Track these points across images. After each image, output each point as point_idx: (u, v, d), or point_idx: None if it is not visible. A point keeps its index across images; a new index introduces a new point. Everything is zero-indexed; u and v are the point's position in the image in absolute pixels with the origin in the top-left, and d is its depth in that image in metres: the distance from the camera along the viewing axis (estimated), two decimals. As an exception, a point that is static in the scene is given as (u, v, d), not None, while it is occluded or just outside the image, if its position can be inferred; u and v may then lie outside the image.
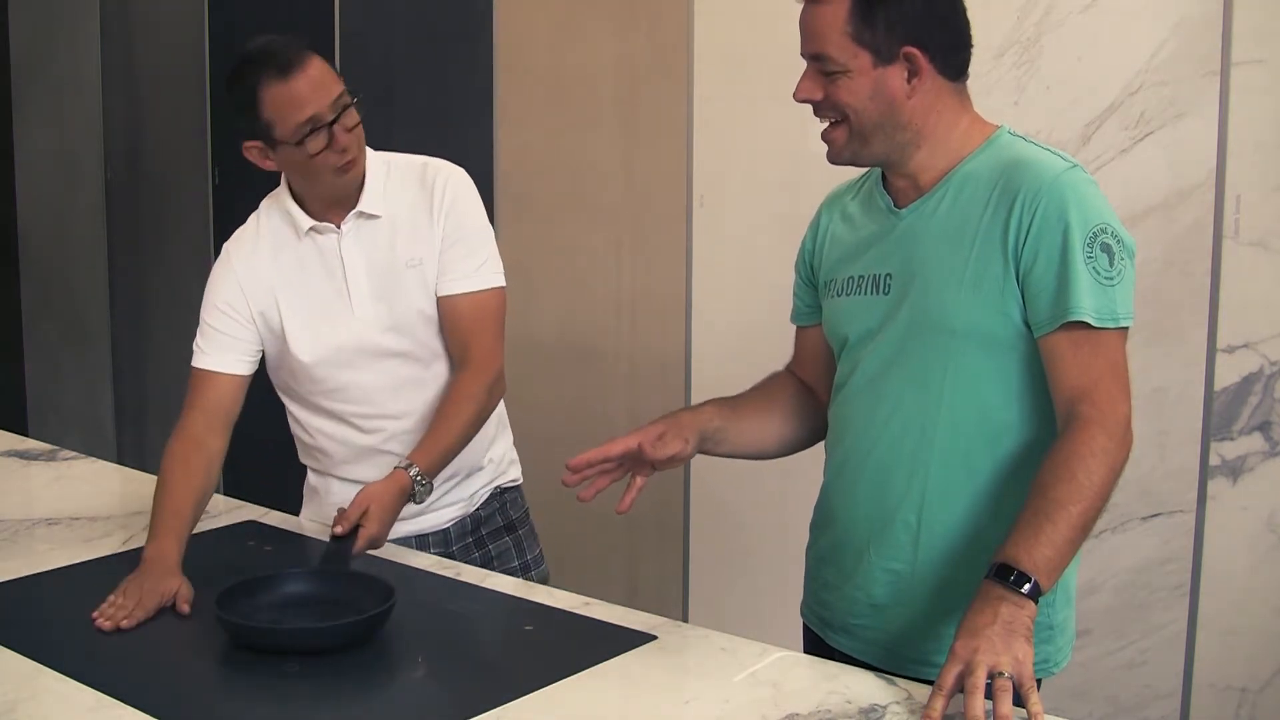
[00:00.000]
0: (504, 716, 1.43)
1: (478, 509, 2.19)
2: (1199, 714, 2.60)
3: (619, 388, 3.38)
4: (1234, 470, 2.53)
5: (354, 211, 2.02)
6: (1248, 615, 2.55)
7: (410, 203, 2.05)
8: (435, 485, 1.97)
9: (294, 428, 2.18)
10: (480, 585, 1.88)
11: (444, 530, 2.16)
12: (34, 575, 1.90)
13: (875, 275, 1.66)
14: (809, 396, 1.84)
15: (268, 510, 2.22)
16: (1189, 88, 2.50)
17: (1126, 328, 1.52)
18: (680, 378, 3.24)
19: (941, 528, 1.60)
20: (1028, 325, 1.54)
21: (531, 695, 1.47)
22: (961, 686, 1.33)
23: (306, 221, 2.03)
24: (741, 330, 3.10)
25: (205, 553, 1.92)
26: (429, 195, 2.05)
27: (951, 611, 1.54)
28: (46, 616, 1.76)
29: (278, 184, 2.10)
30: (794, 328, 1.88)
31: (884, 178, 1.71)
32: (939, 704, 1.33)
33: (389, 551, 1.98)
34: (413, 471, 1.90)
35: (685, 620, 1.91)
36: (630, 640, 1.63)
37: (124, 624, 1.66)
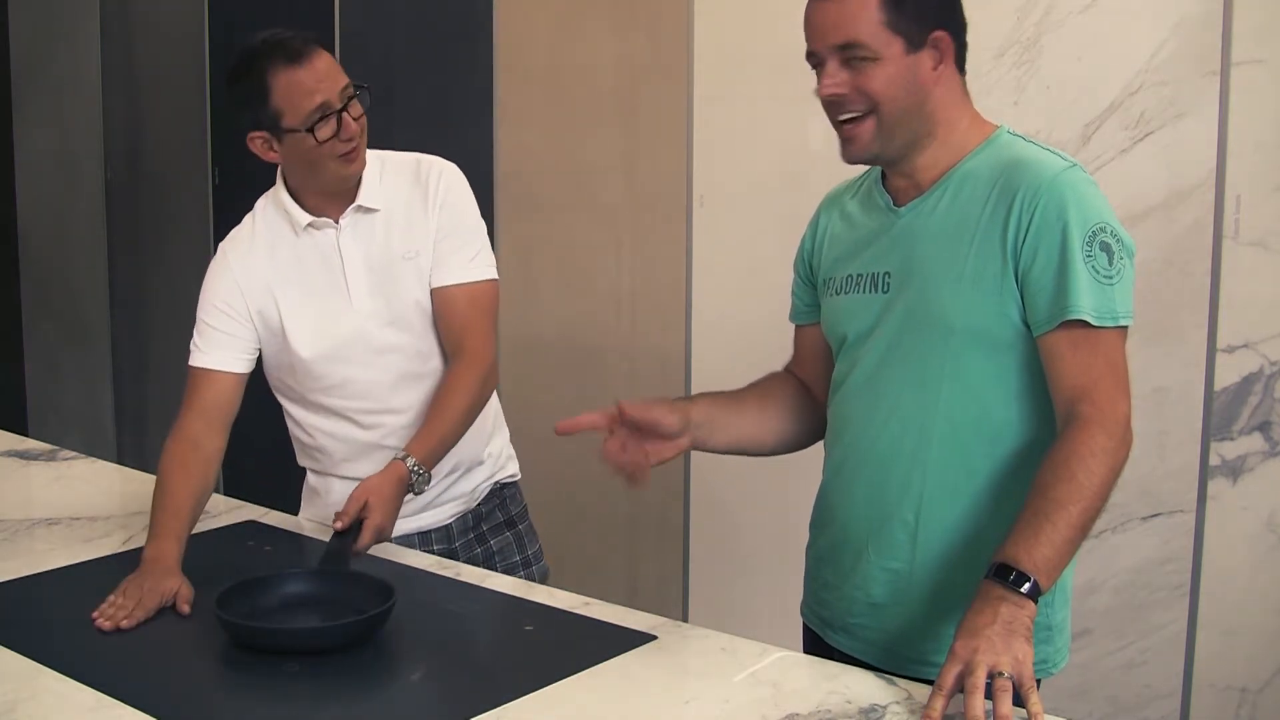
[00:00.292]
0: (504, 716, 1.43)
1: (478, 504, 2.20)
2: (1199, 714, 2.60)
3: (619, 387, 3.38)
4: (1234, 470, 2.53)
5: (353, 206, 2.03)
6: (1248, 615, 2.55)
7: (405, 197, 2.07)
8: (436, 481, 1.97)
9: (292, 428, 2.19)
10: (480, 585, 1.88)
11: (446, 526, 2.17)
12: (34, 575, 1.90)
13: (874, 274, 1.66)
14: (806, 395, 1.84)
15: (268, 510, 2.22)
16: (1189, 88, 2.50)
17: (1126, 327, 1.52)
18: (680, 377, 3.24)
19: (940, 527, 1.60)
20: (1027, 324, 1.54)
21: (531, 695, 1.47)
22: (961, 686, 1.33)
23: (304, 217, 2.04)
24: (741, 329, 3.10)
25: (205, 553, 1.92)
26: (424, 189, 2.07)
27: (950, 611, 1.54)
28: (46, 616, 1.76)
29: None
30: (793, 327, 1.88)
31: (883, 177, 1.71)
32: (939, 704, 1.33)
33: (389, 551, 1.98)
34: (409, 462, 1.91)
35: (685, 620, 1.91)
36: (630, 640, 1.63)
37: (124, 624, 1.66)
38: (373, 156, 2.05)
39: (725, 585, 3.25)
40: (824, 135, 2.94)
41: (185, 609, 1.72)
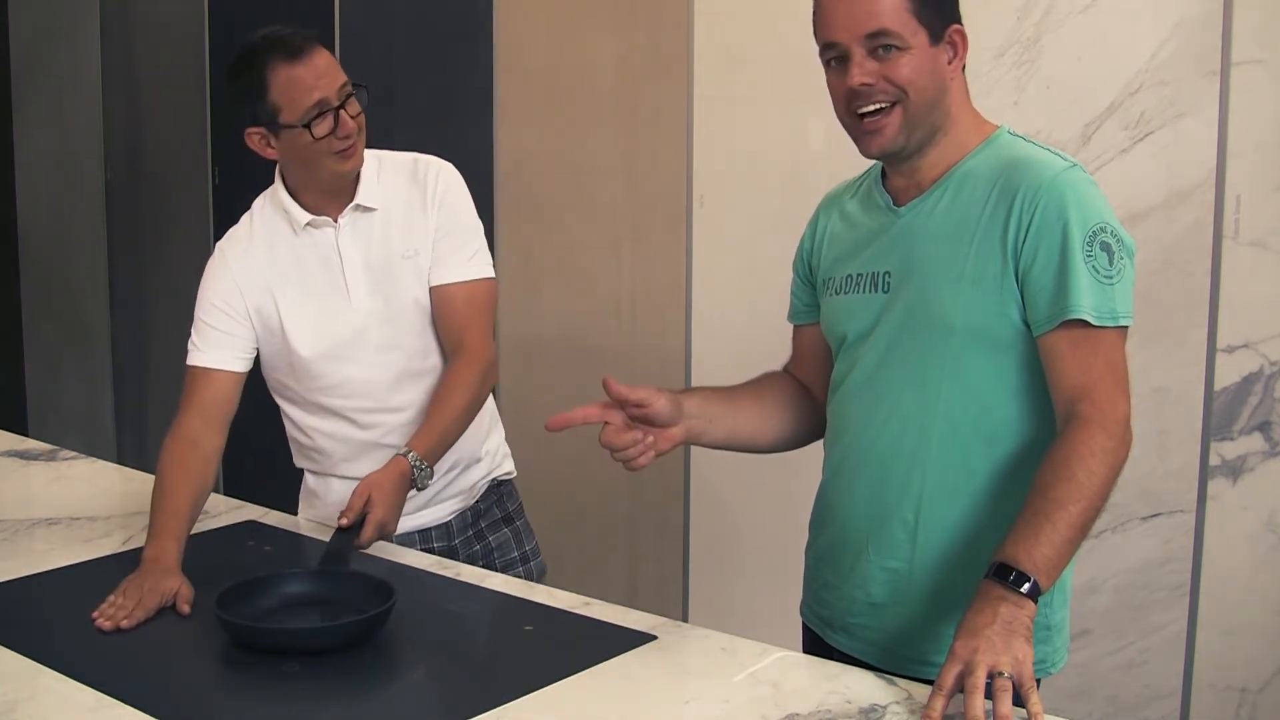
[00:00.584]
0: (504, 716, 1.43)
1: (477, 501, 2.21)
2: (1199, 714, 2.60)
3: (619, 387, 3.37)
4: (1234, 470, 2.54)
5: (351, 205, 2.04)
6: (1248, 615, 2.55)
7: (404, 196, 2.07)
8: (436, 478, 1.98)
9: (290, 429, 2.19)
10: (480, 585, 1.88)
11: (445, 524, 2.18)
12: (34, 575, 1.90)
13: (874, 273, 1.66)
14: (804, 394, 1.84)
15: (268, 510, 2.23)
16: (1189, 88, 2.50)
17: (1126, 327, 1.52)
18: (680, 377, 3.24)
19: (940, 526, 1.60)
20: (1026, 324, 1.54)
21: (531, 695, 1.47)
22: (961, 686, 1.33)
23: (304, 216, 2.04)
24: (741, 330, 3.10)
25: (205, 553, 1.92)
26: (422, 188, 2.07)
27: (950, 611, 1.54)
28: (46, 616, 1.76)
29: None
30: (792, 327, 1.88)
31: (883, 176, 1.71)
32: (939, 704, 1.33)
33: (389, 551, 1.98)
34: (411, 457, 1.91)
35: (685, 620, 1.91)
36: (630, 640, 1.63)
37: (124, 624, 1.66)
38: (370, 156, 2.06)
39: (725, 585, 3.25)
40: (824, 135, 2.96)
41: (185, 609, 1.72)
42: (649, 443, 1.62)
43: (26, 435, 3.01)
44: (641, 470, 1.64)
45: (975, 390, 1.58)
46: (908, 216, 1.64)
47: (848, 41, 1.57)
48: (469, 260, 2.08)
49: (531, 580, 2.21)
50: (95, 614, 1.69)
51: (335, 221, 2.05)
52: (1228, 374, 2.52)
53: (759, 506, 3.09)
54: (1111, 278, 1.50)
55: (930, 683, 1.37)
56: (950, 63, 1.59)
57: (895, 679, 1.50)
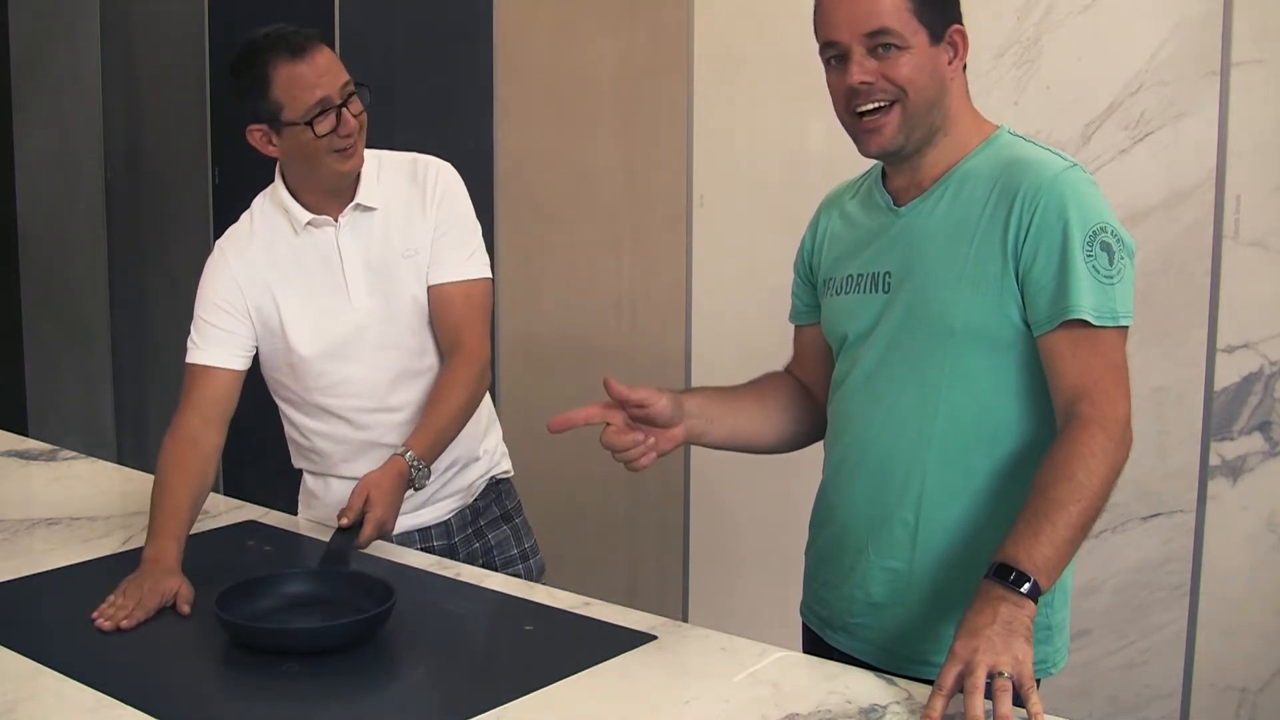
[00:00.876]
0: (504, 716, 1.43)
1: (475, 499, 2.22)
2: (1199, 714, 2.60)
3: (619, 387, 3.37)
4: (1234, 470, 2.53)
5: (352, 204, 2.04)
6: (1248, 615, 2.55)
7: (403, 195, 2.08)
8: (434, 476, 1.98)
9: (289, 430, 2.19)
10: (479, 585, 1.88)
11: (445, 522, 2.18)
12: (34, 575, 1.90)
13: (874, 273, 1.66)
14: (805, 394, 1.84)
15: (268, 510, 2.23)
16: (1189, 88, 2.50)
17: (1126, 327, 1.52)
18: (680, 377, 3.24)
19: (940, 526, 1.60)
20: (1027, 324, 1.54)
21: (531, 695, 1.47)
22: (961, 686, 1.33)
23: (304, 215, 2.04)
24: (741, 330, 3.10)
25: (205, 553, 1.92)
26: (421, 188, 2.08)
27: (950, 611, 1.54)
28: (46, 616, 1.76)
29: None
30: (793, 327, 1.88)
31: (883, 176, 1.71)
32: (939, 704, 1.33)
33: (388, 551, 1.98)
34: (409, 456, 1.92)
35: (685, 620, 1.91)
36: (630, 640, 1.63)
37: (124, 624, 1.66)
38: (370, 155, 2.06)
39: (725, 585, 3.25)
40: (824, 135, 2.96)
41: (185, 609, 1.72)
42: (650, 443, 1.62)
43: (26, 435, 3.01)
44: (642, 470, 1.64)
45: (975, 390, 1.58)
46: (908, 217, 1.64)
47: (848, 40, 1.57)
48: (467, 260, 2.09)
49: (532, 578, 2.21)
50: (95, 614, 1.69)
51: (336, 221, 2.05)
52: (1228, 374, 2.52)
53: (759, 506, 3.09)
54: (1112, 278, 1.50)
55: (930, 683, 1.37)
56: (950, 63, 1.60)
57: (895, 679, 1.50)
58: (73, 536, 2.09)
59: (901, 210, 1.65)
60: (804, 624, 1.82)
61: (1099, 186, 1.56)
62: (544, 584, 2.14)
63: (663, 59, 3.22)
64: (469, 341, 2.05)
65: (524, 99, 3.53)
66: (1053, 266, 1.50)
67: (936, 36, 1.57)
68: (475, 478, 2.21)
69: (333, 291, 2.06)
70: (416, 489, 1.95)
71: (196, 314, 2.07)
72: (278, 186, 2.08)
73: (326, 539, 1.88)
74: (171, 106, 4.79)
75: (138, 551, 1.85)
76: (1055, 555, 1.41)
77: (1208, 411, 2.54)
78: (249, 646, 1.60)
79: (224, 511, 2.22)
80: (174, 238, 4.84)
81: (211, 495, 2.06)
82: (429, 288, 2.07)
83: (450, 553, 2.14)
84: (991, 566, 1.41)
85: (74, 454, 2.66)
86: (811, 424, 1.83)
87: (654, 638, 1.63)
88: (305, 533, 2.13)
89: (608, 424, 1.61)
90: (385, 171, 2.09)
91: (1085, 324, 1.49)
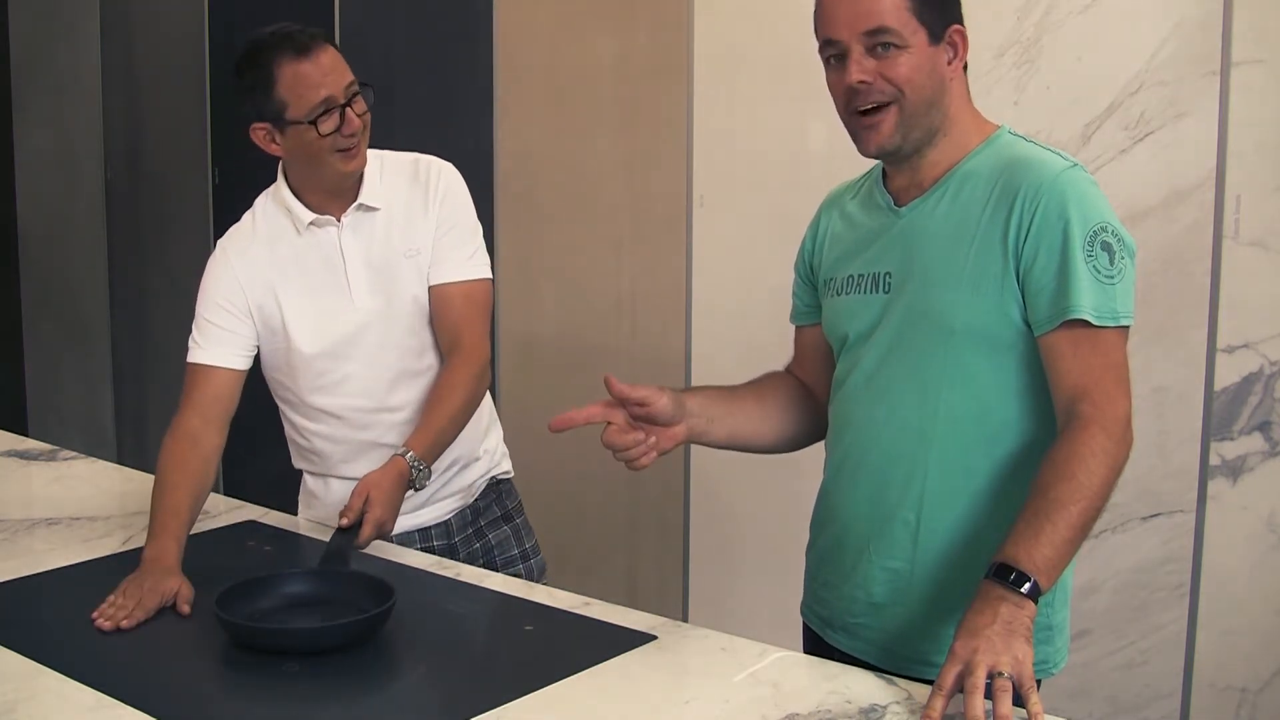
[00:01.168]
0: (504, 716, 1.43)
1: (476, 500, 2.22)
2: (1199, 714, 2.60)
3: (619, 387, 3.37)
4: (1234, 470, 2.53)
5: (355, 204, 2.05)
6: (1248, 615, 2.55)
7: (405, 196, 2.08)
8: (435, 476, 1.98)
9: (289, 431, 2.19)
10: (479, 585, 1.88)
11: (445, 522, 2.18)
12: (34, 575, 1.90)
13: (875, 274, 1.66)
14: (806, 395, 1.84)
15: (268, 510, 2.23)
16: (1189, 88, 2.50)
17: (1127, 326, 1.52)
18: (680, 377, 3.24)
19: (941, 526, 1.60)
20: (1027, 324, 1.54)
21: (531, 695, 1.47)
22: (961, 686, 1.33)
23: (307, 215, 2.05)
24: (741, 330, 3.10)
25: (205, 553, 1.92)
26: (423, 188, 2.08)
27: (951, 611, 1.54)
28: (46, 616, 1.76)
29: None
30: (794, 327, 1.88)
31: (883, 177, 1.71)
32: (939, 704, 1.33)
33: (388, 551, 1.98)
34: (409, 457, 1.92)
35: (685, 620, 1.91)
36: (630, 640, 1.63)
37: (124, 624, 1.66)
38: (372, 156, 2.07)
39: (725, 585, 3.25)
40: (824, 135, 2.96)
41: (185, 609, 1.72)
42: (651, 443, 1.62)
43: (26, 435, 3.01)
44: (643, 470, 1.64)
45: (976, 391, 1.58)
46: (908, 217, 1.64)
47: (847, 39, 1.57)
48: (468, 260, 2.09)
49: (532, 578, 2.21)
50: (95, 614, 1.69)
51: (338, 221, 2.05)
52: (1228, 374, 2.52)
53: (759, 506, 3.09)
54: (1112, 277, 1.50)
55: (930, 683, 1.37)
56: (950, 63, 1.59)
57: (895, 679, 1.50)
58: (73, 536, 2.09)
59: (902, 210, 1.65)
60: (805, 624, 1.83)
61: (1099, 186, 1.56)
62: (544, 584, 2.14)
63: (663, 59, 3.22)
64: (469, 342, 2.05)
65: (524, 99, 3.53)
66: (1053, 266, 1.50)
67: (936, 36, 1.57)
68: (475, 478, 2.21)
69: (335, 291, 2.06)
70: (417, 489, 1.95)
71: (198, 313, 2.07)
72: (280, 186, 2.08)
73: (326, 539, 1.88)
74: (171, 106, 4.79)
75: (138, 551, 1.84)
76: (1055, 555, 1.41)
77: (1208, 411, 2.54)
78: (249, 646, 1.60)
79: (224, 511, 2.22)
80: (174, 238, 4.84)
81: (211, 495, 2.06)
82: (430, 288, 2.07)
83: (450, 553, 2.14)
84: (991, 567, 1.41)
85: (74, 454, 2.66)
86: (812, 424, 1.83)
87: (654, 638, 1.63)
88: (305, 533, 2.13)
89: (609, 423, 1.61)
90: (387, 172, 2.09)
91: (1086, 324, 1.49)
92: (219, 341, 2.04)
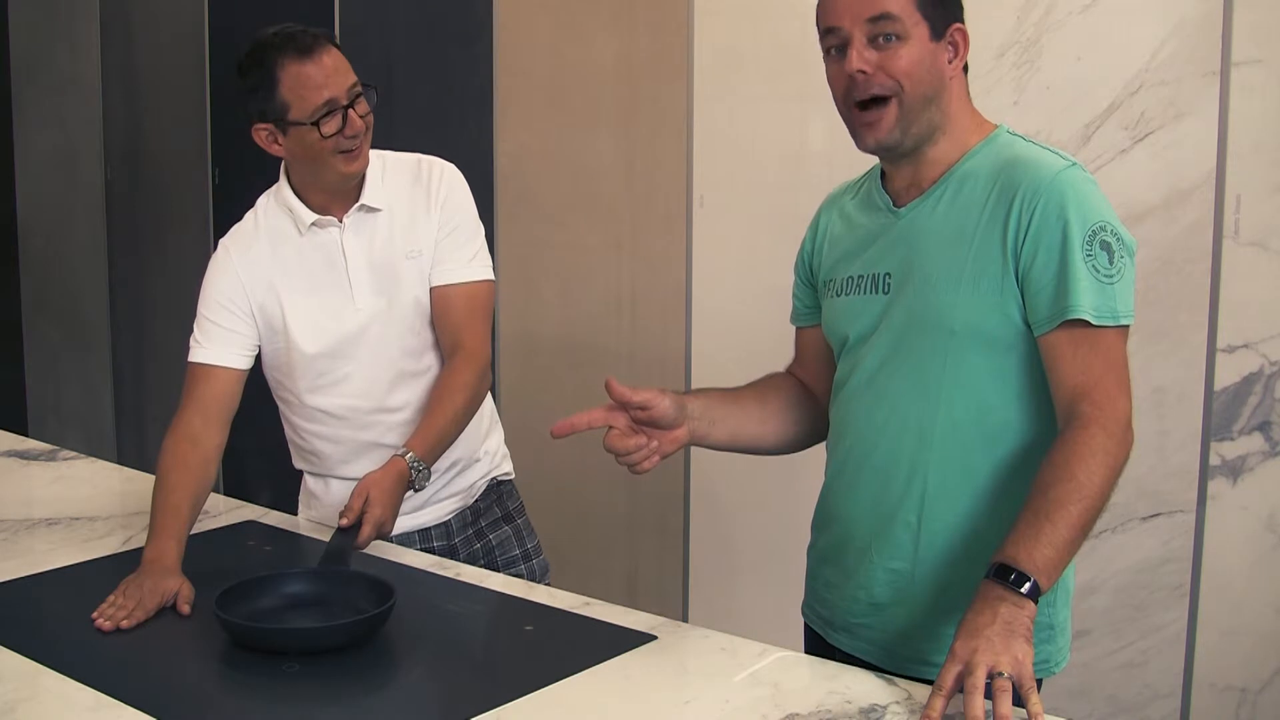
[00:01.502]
0: (504, 716, 1.43)
1: (476, 500, 2.22)
2: (1199, 714, 2.60)
3: (619, 388, 3.37)
4: (1234, 470, 2.54)
5: (357, 205, 2.05)
6: (1248, 615, 2.55)
7: (407, 196, 2.08)
8: (435, 477, 1.98)
9: (289, 432, 2.19)
10: (480, 585, 1.88)
11: (445, 523, 2.18)
12: (34, 575, 1.90)
13: (875, 274, 1.66)
14: (807, 395, 1.84)
15: (268, 510, 2.23)
16: (1189, 88, 2.50)
17: (1127, 326, 1.51)
18: (680, 377, 3.24)
19: (942, 527, 1.60)
20: (1027, 324, 1.54)
21: (531, 695, 1.47)
22: (961, 686, 1.33)
23: (309, 216, 2.05)
24: (741, 330, 3.10)
25: (205, 553, 1.92)
26: (425, 189, 2.08)
27: (952, 611, 1.54)
28: (46, 616, 1.76)
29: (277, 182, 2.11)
30: (794, 328, 1.88)
31: (882, 177, 1.71)
32: (939, 704, 1.33)
33: (388, 551, 1.98)
34: (409, 457, 1.91)
35: (685, 620, 1.91)
36: (630, 640, 1.63)
37: (124, 624, 1.66)
38: (374, 156, 2.07)
39: (725, 585, 3.24)
40: (824, 135, 2.96)
41: (185, 609, 1.72)
42: (653, 446, 1.62)
43: (26, 435, 3.01)
44: (646, 473, 1.64)
45: (976, 391, 1.58)
46: (908, 217, 1.64)
47: (849, 25, 1.56)
48: (469, 261, 2.09)
49: (534, 578, 2.21)
50: (95, 614, 1.69)
51: (340, 221, 2.05)
52: (1228, 374, 2.52)
53: (759, 506, 3.09)
54: (1112, 277, 1.50)
55: (931, 683, 1.37)
56: (950, 61, 1.59)
57: (895, 679, 1.51)
58: (73, 536, 2.09)
59: (901, 211, 1.65)
60: (805, 624, 1.83)
61: (1099, 186, 1.56)
62: (544, 584, 2.14)
63: (663, 59, 3.22)
64: (470, 343, 2.05)
65: (524, 99, 3.53)
66: (1053, 266, 1.50)
67: (937, 33, 1.57)
68: (476, 479, 2.21)
69: (336, 291, 2.06)
70: (417, 490, 1.95)
71: (200, 312, 2.07)
72: (282, 186, 2.08)
73: (326, 539, 1.88)
74: (171, 106, 4.79)
75: (138, 551, 1.85)
76: (1056, 555, 1.41)
77: (1208, 411, 2.54)
78: (249, 646, 1.60)
79: (224, 511, 2.22)
80: (174, 238, 4.84)
81: (211, 495, 2.06)
82: (431, 289, 2.07)
83: (450, 554, 2.14)
84: (992, 567, 1.41)
85: (74, 454, 2.66)
86: (813, 425, 1.83)
87: (654, 638, 1.63)
88: (305, 533, 2.13)
89: (611, 427, 1.61)
90: (389, 172, 2.09)
91: (1085, 324, 1.49)
92: (220, 341, 2.04)
